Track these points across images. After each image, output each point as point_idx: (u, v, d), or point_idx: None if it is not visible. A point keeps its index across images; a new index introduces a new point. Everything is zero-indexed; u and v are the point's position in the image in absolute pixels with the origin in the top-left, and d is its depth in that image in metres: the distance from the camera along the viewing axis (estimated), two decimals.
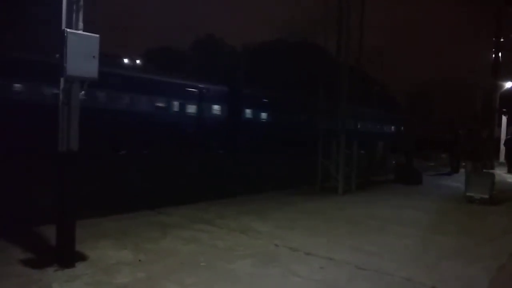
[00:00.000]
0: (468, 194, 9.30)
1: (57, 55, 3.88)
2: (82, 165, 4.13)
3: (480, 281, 4.10)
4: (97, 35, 3.98)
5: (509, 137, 17.96)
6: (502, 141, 23.59)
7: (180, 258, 4.44)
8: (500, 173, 17.57)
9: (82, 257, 4.21)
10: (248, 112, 24.26)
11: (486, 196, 9.03)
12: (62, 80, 4.00)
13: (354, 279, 4.05)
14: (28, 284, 3.60)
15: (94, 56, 3.94)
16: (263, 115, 25.14)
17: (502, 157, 22.43)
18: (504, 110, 24.99)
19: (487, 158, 15.71)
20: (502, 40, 21.13)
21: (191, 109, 21.10)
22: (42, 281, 3.65)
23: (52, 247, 4.23)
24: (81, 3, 3.99)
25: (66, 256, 4.02)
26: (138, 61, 36.68)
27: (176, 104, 20.40)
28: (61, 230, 4.06)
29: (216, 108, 22.31)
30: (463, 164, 17.24)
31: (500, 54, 21.18)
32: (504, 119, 25.19)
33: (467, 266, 4.55)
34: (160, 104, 19.78)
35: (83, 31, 3.98)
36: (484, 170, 10.52)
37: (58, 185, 4.06)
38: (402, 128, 41.37)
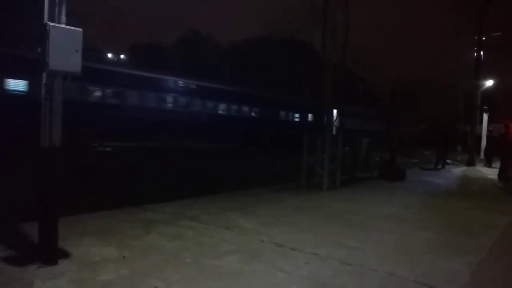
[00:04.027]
0: (500, 175, 13.31)
1: (39, 49, 3.82)
2: (65, 160, 4.07)
3: (461, 275, 4.19)
4: (80, 29, 3.92)
5: (488, 135, 18.71)
6: (484, 138, 24.23)
7: (165, 254, 4.42)
8: (481, 169, 17.96)
9: (65, 254, 4.15)
10: (231, 108, 24.10)
11: None
12: (44, 74, 3.94)
13: (339, 274, 4.09)
14: (11, 281, 3.54)
15: (77, 50, 3.88)
16: (246, 112, 24.97)
17: (482, 154, 23.02)
18: (485, 107, 25.53)
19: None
20: (483, 39, 21.56)
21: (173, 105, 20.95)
22: (25, 279, 3.60)
23: (34, 245, 4.16)
24: None
25: (49, 253, 3.96)
26: (122, 56, 36.34)
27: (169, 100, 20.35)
28: (44, 227, 4.00)
29: (197, 104, 22.11)
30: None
31: (482, 53, 21.62)
32: (485, 116, 25.75)
33: (449, 261, 4.63)
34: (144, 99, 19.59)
35: (66, 24, 3.92)
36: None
37: (40, 181, 4.00)
38: (387, 125, 41.85)
